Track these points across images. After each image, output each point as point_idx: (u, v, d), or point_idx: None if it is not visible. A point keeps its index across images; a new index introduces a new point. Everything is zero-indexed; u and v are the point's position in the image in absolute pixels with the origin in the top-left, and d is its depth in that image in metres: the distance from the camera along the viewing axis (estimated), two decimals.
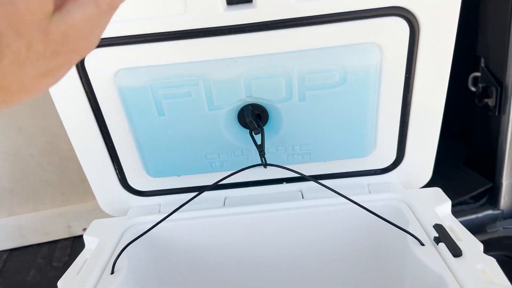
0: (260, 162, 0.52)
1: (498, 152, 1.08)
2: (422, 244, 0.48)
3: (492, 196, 1.13)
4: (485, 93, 1.07)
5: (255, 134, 0.53)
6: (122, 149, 0.57)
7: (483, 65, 1.07)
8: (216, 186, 0.52)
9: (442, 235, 0.48)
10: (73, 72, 0.51)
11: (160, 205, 0.62)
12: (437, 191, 0.59)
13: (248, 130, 0.54)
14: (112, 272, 0.49)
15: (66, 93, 0.52)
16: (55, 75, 0.24)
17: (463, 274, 0.43)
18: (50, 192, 1.12)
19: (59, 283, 0.51)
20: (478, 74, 1.09)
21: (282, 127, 0.54)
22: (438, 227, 0.50)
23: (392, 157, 0.59)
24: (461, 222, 1.09)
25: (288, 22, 0.48)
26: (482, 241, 1.03)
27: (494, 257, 1.01)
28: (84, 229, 1.14)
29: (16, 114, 1.01)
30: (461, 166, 1.23)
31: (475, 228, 1.10)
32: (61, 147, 1.07)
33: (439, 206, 0.55)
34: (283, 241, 0.59)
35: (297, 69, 0.49)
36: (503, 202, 1.12)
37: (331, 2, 0.47)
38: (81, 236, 1.15)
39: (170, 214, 0.51)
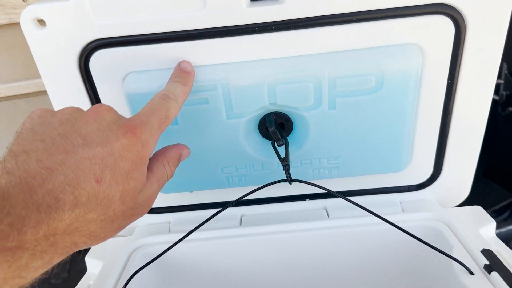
0: (284, 177, 0.46)
1: None
2: (471, 273, 0.42)
3: None
4: (509, 101, 1.01)
5: (278, 146, 0.48)
6: None
7: (506, 71, 1.02)
8: (230, 203, 0.46)
9: (494, 263, 0.42)
10: (75, 73, 0.45)
11: (169, 223, 0.56)
12: (479, 210, 0.53)
13: (270, 142, 0.49)
14: None
15: (68, 98, 0.47)
16: (123, 228, 0.33)
17: None
18: None
19: None
20: (501, 81, 1.04)
21: (309, 138, 0.48)
22: (488, 253, 0.44)
23: (429, 172, 0.53)
24: None
25: (320, 20, 0.42)
26: None
27: None
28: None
29: (13, 119, 0.96)
30: (481, 177, 1.17)
31: None
32: None
33: (483, 228, 0.50)
34: (307, 264, 0.53)
35: (328, 73, 0.44)
36: None
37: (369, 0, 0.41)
38: (81, 251, 1.09)
39: (188, 234, 0.45)
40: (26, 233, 0.26)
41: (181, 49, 0.44)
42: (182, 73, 0.42)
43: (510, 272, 0.41)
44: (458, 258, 0.43)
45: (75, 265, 1.02)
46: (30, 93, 0.92)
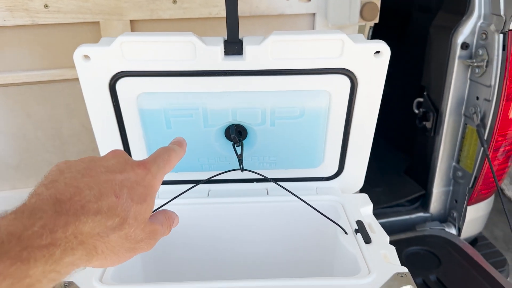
0: (239, 167, 0.72)
1: (431, 166, 1.32)
2: (346, 233, 0.69)
3: (424, 201, 1.38)
4: (425, 116, 1.30)
5: (237, 146, 0.73)
6: (135, 148, 0.76)
7: (425, 93, 1.30)
8: (203, 180, 0.71)
9: (360, 228, 0.70)
10: (105, 91, 0.69)
11: (158, 192, 0.81)
12: (365, 197, 0.80)
13: (232, 143, 0.74)
14: None
15: (99, 104, 0.70)
16: (136, 252, 0.39)
17: (369, 255, 0.64)
18: None
19: None
20: (421, 100, 1.32)
21: (257, 142, 0.74)
22: (359, 222, 0.71)
23: (335, 169, 0.80)
24: (396, 221, 1.34)
25: (267, 72, 0.68)
26: (410, 238, 1.28)
27: (419, 251, 1.26)
28: None
29: (27, 101, 1.16)
30: (402, 174, 1.46)
31: (407, 226, 1.35)
32: (63, 133, 1.23)
33: (364, 208, 0.77)
34: (252, 225, 0.80)
35: (270, 104, 0.69)
36: (433, 207, 1.37)
37: (298, 62, 0.67)
38: None
39: (173, 198, 0.70)
40: (57, 232, 0.31)
41: (178, 81, 0.68)
42: (177, 142, 0.53)
43: (368, 234, 0.68)
44: (340, 224, 0.70)
45: None
46: (44, 81, 1.13)
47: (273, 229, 0.81)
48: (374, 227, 0.73)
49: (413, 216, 1.37)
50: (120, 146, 0.75)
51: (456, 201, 1.34)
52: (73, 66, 0.66)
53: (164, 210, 0.47)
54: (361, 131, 0.75)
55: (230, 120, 0.71)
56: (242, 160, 0.72)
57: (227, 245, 0.82)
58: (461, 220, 1.32)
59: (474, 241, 1.39)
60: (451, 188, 1.35)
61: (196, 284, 0.57)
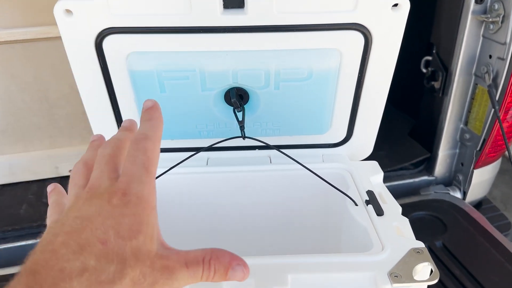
0: (240, 134, 0.66)
1: (438, 128, 1.27)
2: (356, 204, 0.64)
3: (429, 164, 1.33)
4: (433, 76, 1.23)
5: (238, 111, 0.67)
6: (127, 115, 0.69)
7: (434, 51, 1.23)
8: (201, 148, 0.66)
9: (371, 199, 0.65)
10: (91, 51, 0.62)
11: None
12: (374, 164, 0.75)
13: (232, 108, 0.68)
14: None
15: (85, 66, 0.63)
16: None
17: (382, 228, 0.60)
18: (39, 135, 1.22)
19: None
20: (429, 58, 1.25)
21: (260, 107, 0.68)
22: (369, 193, 0.66)
23: (343, 135, 0.75)
24: (400, 185, 1.30)
25: (271, 28, 0.60)
26: (415, 202, 1.24)
27: (425, 216, 1.22)
28: (70, 171, 1.25)
29: (10, 62, 1.08)
30: (406, 136, 1.41)
31: (411, 190, 1.31)
32: (51, 95, 1.16)
33: (374, 176, 0.72)
34: (253, 196, 0.75)
35: (275, 65, 0.62)
36: (437, 170, 1.33)
37: (306, 16, 0.59)
38: (67, 177, 1.27)
39: (172, 167, 0.65)
40: None
41: (172, 39, 0.61)
42: (146, 110, 0.44)
43: (380, 205, 0.63)
44: (350, 195, 0.65)
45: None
46: (27, 39, 1.04)
47: (276, 199, 0.76)
48: (385, 197, 0.68)
49: (417, 179, 1.33)
50: (110, 112, 0.69)
51: (462, 164, 1.30)
52: None
53: (212, 249, 0.38)
54: (374, 93, 0.69)
55: (230, 83, 0.64)
56: (243, 127, 0.66)
57: (227, 216, 0.78)
58: (467, 183, 1.29)
59: (478, 204, 1.37)
60: (457, 151, 1.31)
61: None
